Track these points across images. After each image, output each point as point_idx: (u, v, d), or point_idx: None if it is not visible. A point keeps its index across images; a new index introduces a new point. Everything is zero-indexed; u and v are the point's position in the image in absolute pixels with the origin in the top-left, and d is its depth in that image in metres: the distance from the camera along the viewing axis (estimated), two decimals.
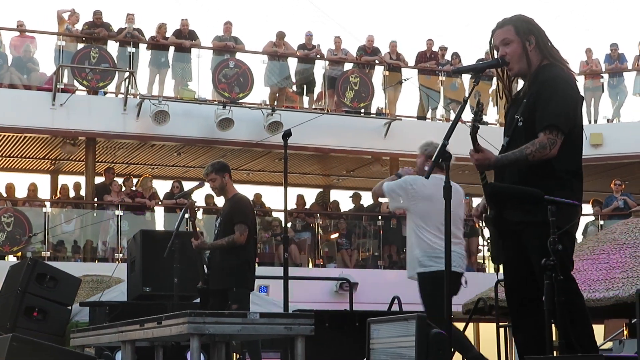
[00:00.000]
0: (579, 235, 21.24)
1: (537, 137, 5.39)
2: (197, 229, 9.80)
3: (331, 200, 23.70)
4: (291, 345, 6.50)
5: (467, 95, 21.01)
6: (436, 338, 5.17)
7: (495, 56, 5.74)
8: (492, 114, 22.31)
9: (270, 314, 6.21)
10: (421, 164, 8.34)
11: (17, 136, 19.54)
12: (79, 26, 19.63)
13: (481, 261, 22.04)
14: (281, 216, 19.32)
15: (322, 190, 23.55)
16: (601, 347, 14.22)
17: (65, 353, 5.82)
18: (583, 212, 23.12)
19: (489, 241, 6.13)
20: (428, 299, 7.98)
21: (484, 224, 5.86)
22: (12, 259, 17.43)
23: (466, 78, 21.73)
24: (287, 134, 9.83)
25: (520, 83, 5.86)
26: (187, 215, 9.78)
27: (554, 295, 5.04)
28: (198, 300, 10.28)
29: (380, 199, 9.02)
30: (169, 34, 20.10)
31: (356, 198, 22.07)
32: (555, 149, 5.37)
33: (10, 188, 19.31)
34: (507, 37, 5.65)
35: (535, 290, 5.33)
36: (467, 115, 21.23)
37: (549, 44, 5.71)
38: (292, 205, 21.21)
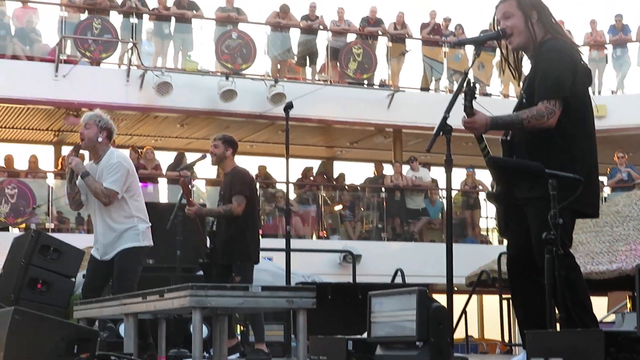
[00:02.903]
0: None
1: None
2: (193, 199, 9.81)
3: (334, 171, 23.69)
4: (294, 318, 6.52)
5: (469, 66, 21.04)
6: (437, 312, 5.17)
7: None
8: (497, 86, 22.31)
9: (272, 287, 6.23)
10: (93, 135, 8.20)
11: (19, 107, 19.54)
12: None
13: (484, 233, 22.06)
14: (284, 188, 19.36)
15: (323, 160, 23.51)
16: (604, 320, 14.29)
17: (68, 326, 5.82)
18: None
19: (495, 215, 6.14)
20: None
21: (489, 199, 5.87)
22: (16, 231, 17.44)
23: (469, 49, 21.67)
24: (289, 106, 9.86)
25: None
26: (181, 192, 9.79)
27: (554, 269, 5.04)
28: (202, 272, 10.32)
29: None
30: (169, 4, 20.05)
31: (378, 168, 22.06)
32: (553, 119, 5.34)
33: (10, 159, 19.29)
34: (508, 11, 5.64)
35: (536, 265, 5.33)
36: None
37: (553, 19, 5.68)
38: (297, 176, 21.22)
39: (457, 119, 5.49)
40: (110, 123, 8.36)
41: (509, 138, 5.66)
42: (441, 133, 5.61)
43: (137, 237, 8.08)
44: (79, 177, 8.12)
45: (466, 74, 5.58)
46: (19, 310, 5.47)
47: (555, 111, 5.35)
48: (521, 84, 5.80)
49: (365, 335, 5.88)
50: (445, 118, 5.62)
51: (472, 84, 5.42)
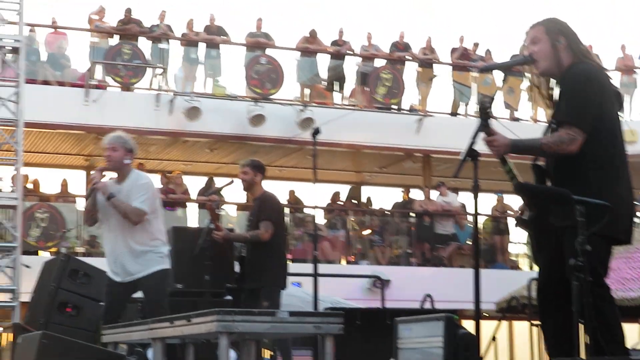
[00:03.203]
0: None
1: None
2: (221, 224, 9.83)
3: (363, 196, 23.68)
4: (321, 344, 6.50)
5: (494, 91, 21.01)
6: (464, 338, 5.15)
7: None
8: (527, 110, 22.25)
9: (299, 312, 6.21)
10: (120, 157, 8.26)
11: (50, 132, 19.65)
12: (112, 23, 19.71)
13: (514, 259, 21.95)
14: (312, 213, 19.37)
15: (353, 185, 23.50)
16: (637, 347, 14.16)
17: (95, 350, 5.84)
18: None
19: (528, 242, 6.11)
20: None
21: (518, 225, 5.82)
22: (46, 255, 17.52)
23: (498, 74, 21.67)
24: (316, 132, 9.88)
25: None
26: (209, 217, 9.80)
27: (582, 296, 4.99)
28: (230, 297, 10.32)
29: None
30: (196, 29, 20.16)
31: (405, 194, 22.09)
32: (574, 145, 5.27)
33: (42, 184, 19.41)
34: (536, 36, 5.63)
35: (566, 293, 5.28)
36: (497, 111, 21.31)
37: (581, 45, 5.65)
38: (326, 201, 21.23)
39: (482, 143, 5.47)
40: (134, 144, 8.45)
41: (538, 162, 5.63)
42: (468, 158, 5.60)
43: (162, 260, 8.13)
44: (106, 198, 8.16)
45: (492, 99, 5.55)
46: (47, 334, 5.50)
47: (577, 138, 5.28)
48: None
49: None
50: (472, 143, 5.60)
51: (485, 102, 5.41)
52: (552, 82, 5.72)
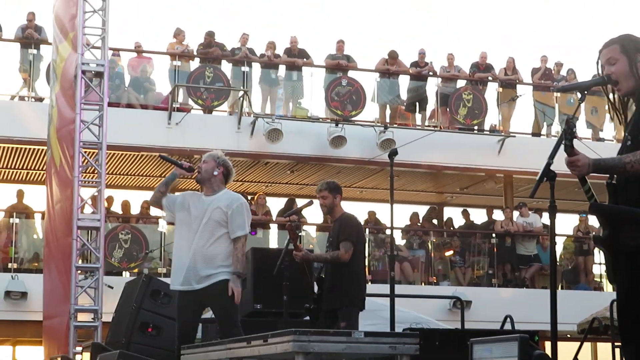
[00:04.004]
0: None
1: None
2: (301, 244, 9.86)
3: (444, 217, 23.58)
4: None
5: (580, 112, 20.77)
6: (540, 359, 5.11)
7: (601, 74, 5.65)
8: (611, 130, 21.99)
9: (375, 333, 6.19)
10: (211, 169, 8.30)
11: (134, 154, 19.92)
12: (193, 46, 19.96)
13: (598, 280, 21.67)
14: (394, 234, 19.34)
15: (432, 206, 23.42)
16: None
17: None
18: None
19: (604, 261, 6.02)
20: None
21: (595, 244, 5.74)
22: (129, 276, 17.75)
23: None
24: (393, 153, 9.89)
25: None
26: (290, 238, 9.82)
27: None
28: (308, 317, 10.34)
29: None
30: (277, 51, 20.31)
31: (465, 214, 21.98)
32: None
33: (126, 205, 19.69)
34: (612, 56, 5.53)
35: None
36: (580, 131, 21.07)
37: None
38: (406, 222, 21.20)
39: (563, 164, 5.43)
40: (229, 163, 8.58)
41: (614, 182, 5.56)
42: (545, 179, 5.56)
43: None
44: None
45: (570, 119, 5.48)
46: (124, 354, 5.58)
47: None
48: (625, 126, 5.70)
49: None
50: (549, 164, 5.56)
51: (571, 122, 5.35)
52: (627, 97, 5.66)
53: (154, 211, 20.05)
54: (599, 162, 5.36)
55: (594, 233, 5.96)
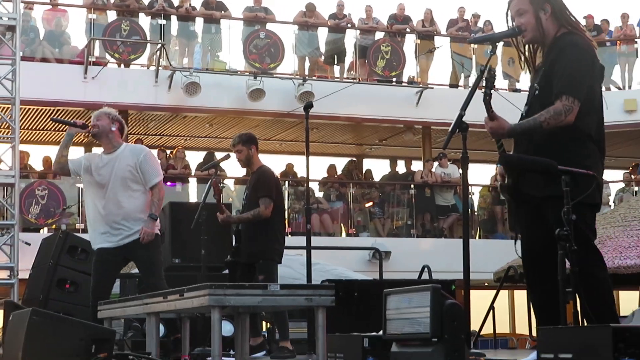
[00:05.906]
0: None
1: (552, 104, 5.35)
2: (222, 201, 9.83)
3: (364, 169, 23.69)
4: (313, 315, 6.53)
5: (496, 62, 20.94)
6: (451, 308, 5.18)
7: (511, 25, 5.71)
8: (527, 81, 22.15)
9: (290, 285, 6.22)
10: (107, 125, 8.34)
11: (49, 109, 19.66)
12: None
13: None
14: (312, 186, 19.38)
15: (350, 159, 23.48)
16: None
17: (86, 326, 5.88)
18: (615, 179, 22.87)
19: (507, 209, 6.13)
20: None
21: (501, 193, 5.84)
22: (46, 232, 17.58)
23: (501, 45, 21.57)
24: (309, 106, 10.07)
25: None
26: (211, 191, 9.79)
27: (573, 265, 5.03)
28: (227, 271, 10.36)
29: None
30: (194, 3, 20.13)
31: (393, 164, 22.09)
32: (571, 115, 5.31)
33: (47, 161, 19.39)
34: (521, 7, 5.61)
35: (552, 261, 5.30)
36: (497, 82, 21.24)
37: (567, 12, 5.65)
38: (324, 174, 21.25)
39: (476, 114, 5.47)
40: (121, 118, 8.53)
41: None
42: (458, 130, 5.62)
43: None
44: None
45: (482, 71, 5.53)
46: (37, 311, 5.54)
47: (573, 108, 5.31)
48: (532, 76, 5.79)
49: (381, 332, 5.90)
50: (461, 115, 5.63)
51: (492, 72, 5.40)
52: (535, 46, 5.74)
53: None
54: (515, 127, 5.43)
55: (500, 181, 6.00)
